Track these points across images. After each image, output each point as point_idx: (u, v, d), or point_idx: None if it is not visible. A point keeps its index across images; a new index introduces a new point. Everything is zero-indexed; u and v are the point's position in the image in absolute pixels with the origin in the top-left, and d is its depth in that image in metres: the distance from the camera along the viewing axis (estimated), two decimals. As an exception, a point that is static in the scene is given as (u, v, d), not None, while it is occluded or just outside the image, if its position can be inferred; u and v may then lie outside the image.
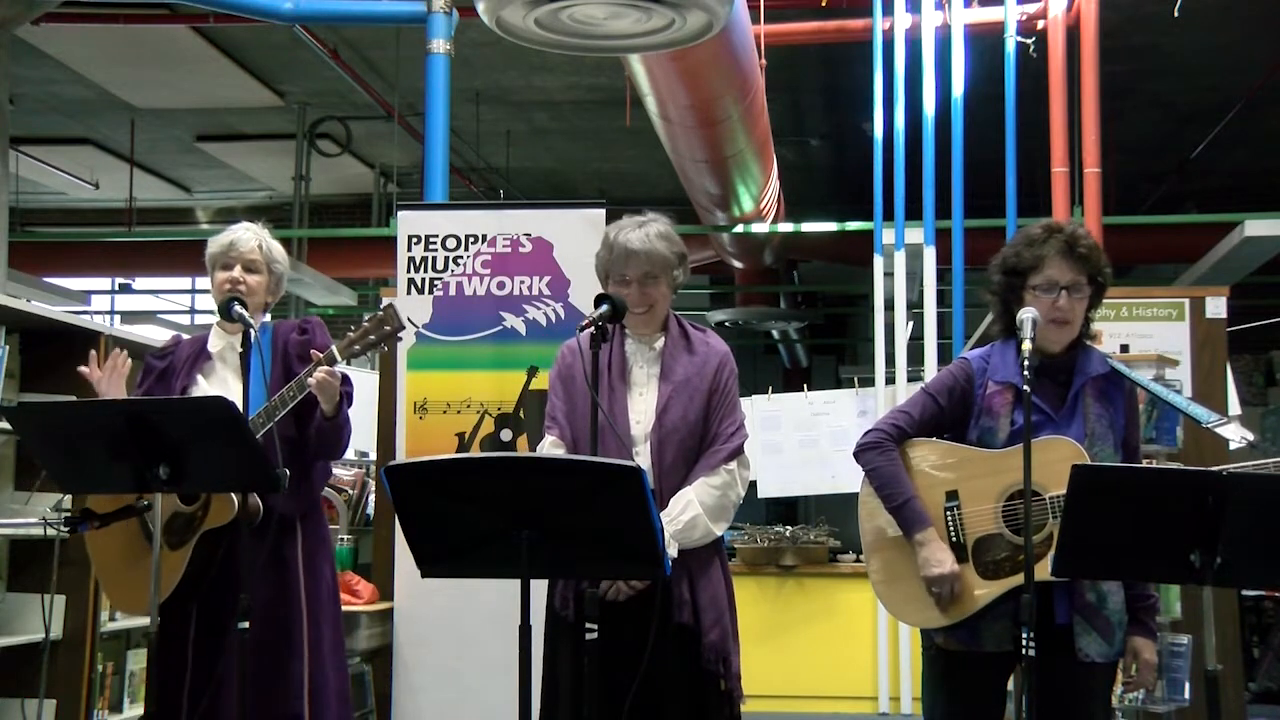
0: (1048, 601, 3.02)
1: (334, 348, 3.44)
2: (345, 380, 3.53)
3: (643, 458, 3.22)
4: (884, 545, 3.21)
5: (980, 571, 3.08)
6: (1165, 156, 10.52)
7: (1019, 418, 3.06)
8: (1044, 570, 2.93)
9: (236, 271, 3.58)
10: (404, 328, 3.52)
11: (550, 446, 3.31)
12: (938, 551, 3.08)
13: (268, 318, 3.70)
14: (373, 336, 3.45)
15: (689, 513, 3.20)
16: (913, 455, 3.19)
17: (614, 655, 3.02)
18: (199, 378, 3.61)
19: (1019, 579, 2.99)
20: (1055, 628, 3.02)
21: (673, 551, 3.13)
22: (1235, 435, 3.08)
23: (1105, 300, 3.21)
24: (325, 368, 3.39)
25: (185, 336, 3.79)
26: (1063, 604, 3.04)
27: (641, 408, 3.28)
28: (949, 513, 3.13)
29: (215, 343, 3.67)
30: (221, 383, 3.59)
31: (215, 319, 3.69)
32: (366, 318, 3.51)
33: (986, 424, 3.14)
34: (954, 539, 3.11)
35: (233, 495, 3.42)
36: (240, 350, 3.37)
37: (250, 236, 3.63)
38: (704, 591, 3.23)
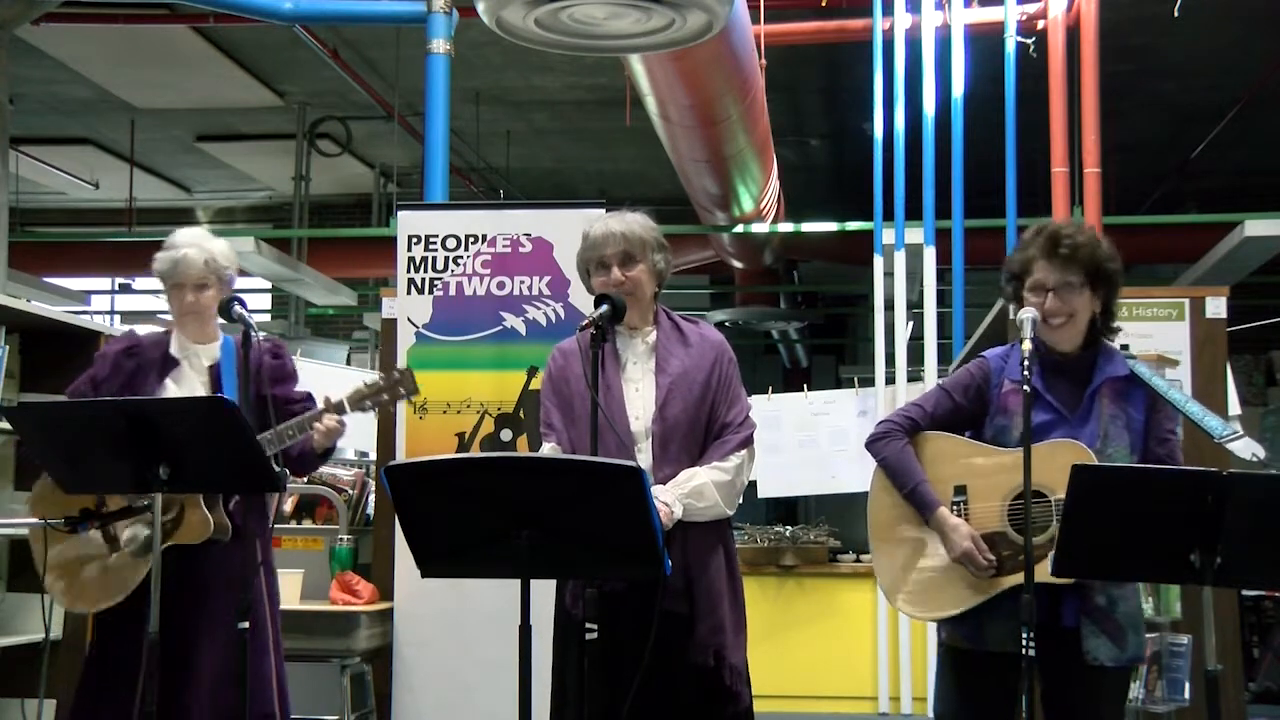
0: (1056, 604, 3.01)
1: (344, 398, 3.55)
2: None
3: (644, 454, 3.19)
4: (890, 538, 3.21)
5: (982, 568, 3.09)
6: (1165, 156, 10.50)
7: (1033, 416, 3.06)
8: (1045, 571, 2.93)
9: (189, 296, 3.59)
10: (417, 391, 3.64)
11: (550, 453, 3.25)
12: (953, 532, 3.08)
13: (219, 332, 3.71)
14: (386, 396, 3.59)
15: (696, 480, 3.16)
16: (924, 447, 3.20)
17: (618, 651, 3.01)
18: (169, 383, 3.61)
19: (1020, 578, 2.98)
20: (1063, 630, 3.02)
21: (678, 512, 3.10)
22: (1247, 452, 3.08)
23: (1105, 300, 3.23)
24: (334, 416, 3.51)
25: (142, 333, 3.76)
26: (1071, 607, 3.03)
27: (639, 403, 3.24)
28: (955, 507, 3.13)
29: (179, 349, 3.67)
30: (191, 390, 3.60)
31: (171, 321, 3.71)
32: (380, 375, 3.64)
33: (1001, 422, 3.15)
34: (958, 535, 3.12)
35: (209, 516, 3.45)
36: (238, 351, 3.41)
37: (196, 255, 3.59)
38: (699, 583, 3.18)
